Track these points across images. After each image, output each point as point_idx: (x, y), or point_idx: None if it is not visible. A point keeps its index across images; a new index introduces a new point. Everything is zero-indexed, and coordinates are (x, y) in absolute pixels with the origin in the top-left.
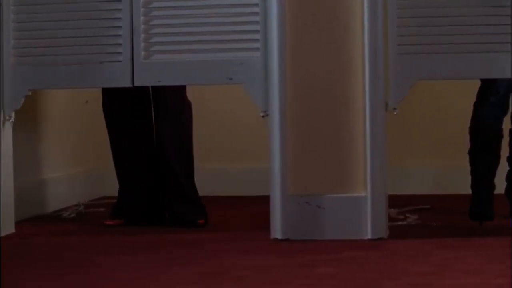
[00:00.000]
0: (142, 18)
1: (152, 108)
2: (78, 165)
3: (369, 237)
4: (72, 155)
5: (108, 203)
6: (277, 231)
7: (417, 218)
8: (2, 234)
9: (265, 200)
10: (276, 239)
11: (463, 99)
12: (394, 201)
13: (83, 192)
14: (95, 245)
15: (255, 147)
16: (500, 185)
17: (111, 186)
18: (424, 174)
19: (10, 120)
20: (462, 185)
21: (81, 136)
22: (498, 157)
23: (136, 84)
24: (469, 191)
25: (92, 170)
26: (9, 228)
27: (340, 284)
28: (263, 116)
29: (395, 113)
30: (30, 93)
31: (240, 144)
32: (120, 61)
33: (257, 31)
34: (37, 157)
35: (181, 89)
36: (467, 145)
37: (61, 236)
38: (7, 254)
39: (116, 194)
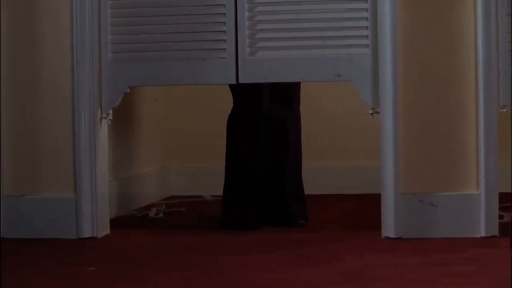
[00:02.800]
0: (247, 13)
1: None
2: (147, 165)
3: (482, 235)
4: (140, 155)
5: (182, 202)
6: (389, 229)
7: None
8: (99, 235)
9: (351, 198)
10: (388, 238)
11: None
12: None
13: (152, 191)
14: (206, 245)
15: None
16: None
17: (177, 186)
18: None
19: (108, 118)
20: None
21: (149, 135)
22: None
23: (240, 81)
24: None
25: (159, 169)
26: (104, 229)
27: (493, 282)
28: (371, 113)
29: (504, 110)
30: (128, 90)
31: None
32: (224, 58)
33: (365, 27)
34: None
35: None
36: None
37: (165, 237)
38: (120, 256)
39: (183, 194)
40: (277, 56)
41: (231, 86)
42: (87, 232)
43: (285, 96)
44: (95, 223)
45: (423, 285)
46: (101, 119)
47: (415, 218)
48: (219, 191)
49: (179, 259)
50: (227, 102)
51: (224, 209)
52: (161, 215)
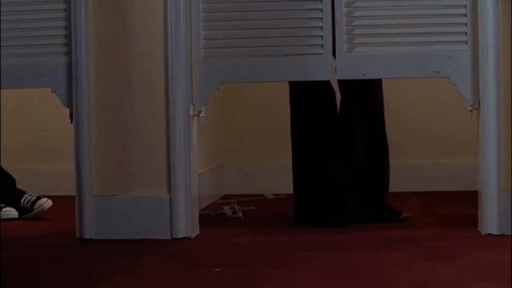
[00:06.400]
0: (344, 9)
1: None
2: (205, 165)
3: None
4: (200, 155)
5: (245, 201)
6: (491, 226)
7: None
8: (193, 235)
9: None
10: (490, 234)
11: None
12: None
13: (209, 191)
14: (309, 244)
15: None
16: None
17: (230, 185)
18: None
19: (201, 115)
20: None
21: (206, 134)
22: None
23: (338, 77)
24: None
25: (214, 169)
26: (196, 229)
27: None
28: (470, 110)
29: None
30: (221, 87)
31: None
32: (321, 54)
33: (464, 24)
34: None
35: None
36: None
37: (262, 236)
38: (235, 256)
39: (237, 193)
40: (375, 52)
41: (293, 87)
42: (181, 232)
43: (372, 85)
44: (189, 222)
45: None
46: (193, 116)
47: None
48: (274, 190)
49: (299, 259)
50: (280, 100)
51: (298, 206)
52: (239, 214)
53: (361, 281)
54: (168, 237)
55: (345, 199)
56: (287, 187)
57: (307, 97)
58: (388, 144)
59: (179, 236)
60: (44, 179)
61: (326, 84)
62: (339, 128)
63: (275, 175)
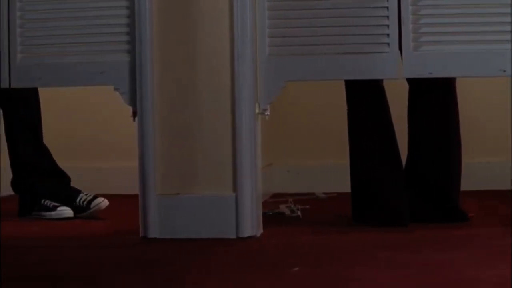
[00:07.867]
0: (410, 8)
1: None
2: None
3: None
4: None
5: (298, 200)
6: None
7: None
8: (258, 234)
9: None
10: None
11: None
12: None
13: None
14: (377, 243)
15: None
16: None
17: (279, 184)
18: None
19: (266, 113)
20: None
21: None
22: None
23: (405, 76)
24: None
25: (265, 167)
26: (260, 228)
27: None
28: None
29: None
30: (285, 86)
31: None
32: (387, 52)
33: None
34: None
35: None
36: None
37: (329, 235)
38: (307, 255)
39: (286, 191)
40: (441, 50)
41: (348, 86)
42: (247, 231)
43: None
44: (254, 221)
45: None
46: (258, 114)
47: None
48: (324, 188)
49: (375, 257)
50: (331, 99)
51: (357, 205)
52: (298, 213)
53: (444, 280)
54: (234, 237)
55: (406, 197)
56: (336, 185)
57: (359, 95)
58: (460, 142)
59: (245, 235)
60: (96, 178)
61: (377, 82)
62: (392, 126)
63: (325, 174)
